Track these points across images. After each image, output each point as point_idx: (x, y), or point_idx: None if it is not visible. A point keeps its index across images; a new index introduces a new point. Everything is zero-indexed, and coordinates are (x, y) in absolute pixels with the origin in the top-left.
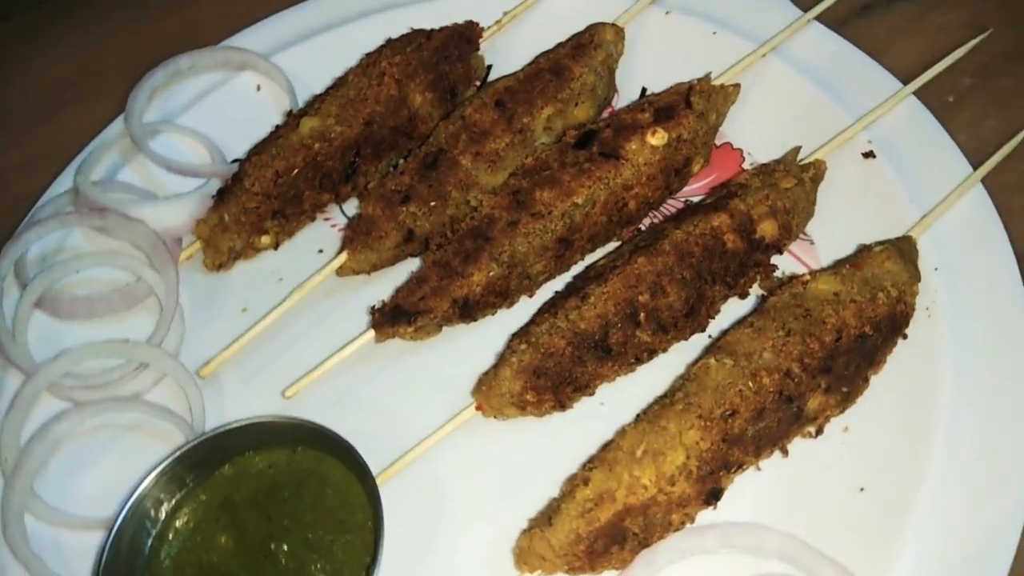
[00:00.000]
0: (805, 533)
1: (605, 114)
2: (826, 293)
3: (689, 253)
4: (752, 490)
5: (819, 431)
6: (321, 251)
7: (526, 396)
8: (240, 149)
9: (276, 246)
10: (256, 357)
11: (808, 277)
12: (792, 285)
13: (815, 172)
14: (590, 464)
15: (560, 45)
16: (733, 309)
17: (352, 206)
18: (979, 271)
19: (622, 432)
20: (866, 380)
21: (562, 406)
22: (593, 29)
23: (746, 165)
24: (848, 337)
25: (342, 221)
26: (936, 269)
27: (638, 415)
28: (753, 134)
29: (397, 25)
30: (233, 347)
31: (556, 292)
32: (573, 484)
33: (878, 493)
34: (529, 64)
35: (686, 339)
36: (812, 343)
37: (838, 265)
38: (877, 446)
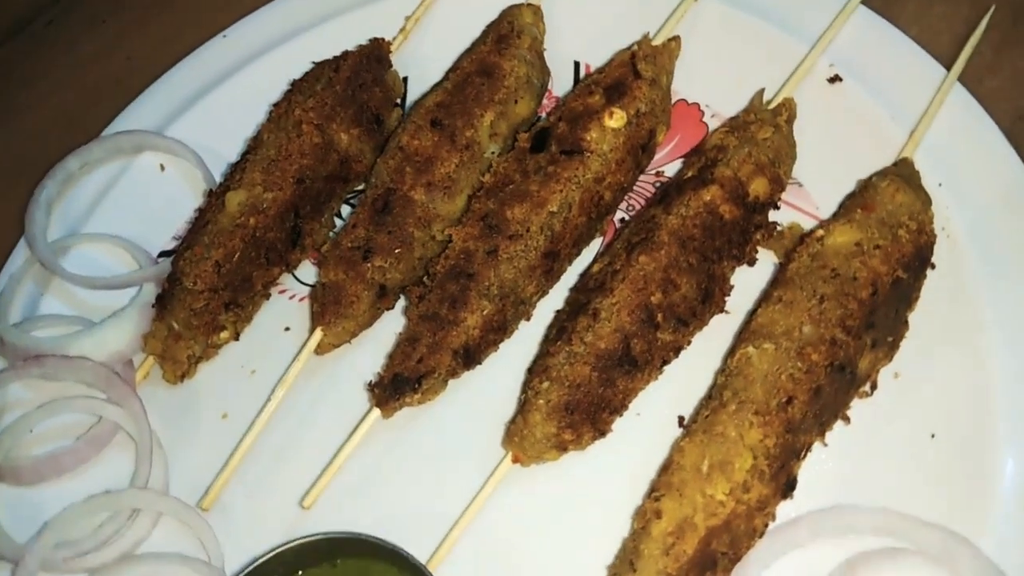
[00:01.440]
0: (888, 497)
1: (546, 101)
2: (847, 246)
3: (690, 238)
4: (824, 468)
5: (873, 387)
6: (288, 328)
7: (564, 436)
8: (162, 240)
9: (238, 336)
10: (255, 468)
11: (822, 232)
12: (807, 245)
13: (788, 113)
14: (656, 492)
15: (479, 41)
16: (744, 279)
17: (306, 270)
18: (983, 173)
19: (679, 449)
20: (906, 323)
21: (602, 433)
22: (509, 15)
23: (707, 119)
24: (883, 287)
25: (300, 289)
26: (940, 185)
27: (688, 425)
28: (705, 85)
29: (293, 61)
30: (229, 466)
31: (557, 312)
32: (645, 519)
33: (950, 434)
34: (452, 70)
35: (707, 324)
36: (850, 303)
37: (848, 211)
38: (932, 385)
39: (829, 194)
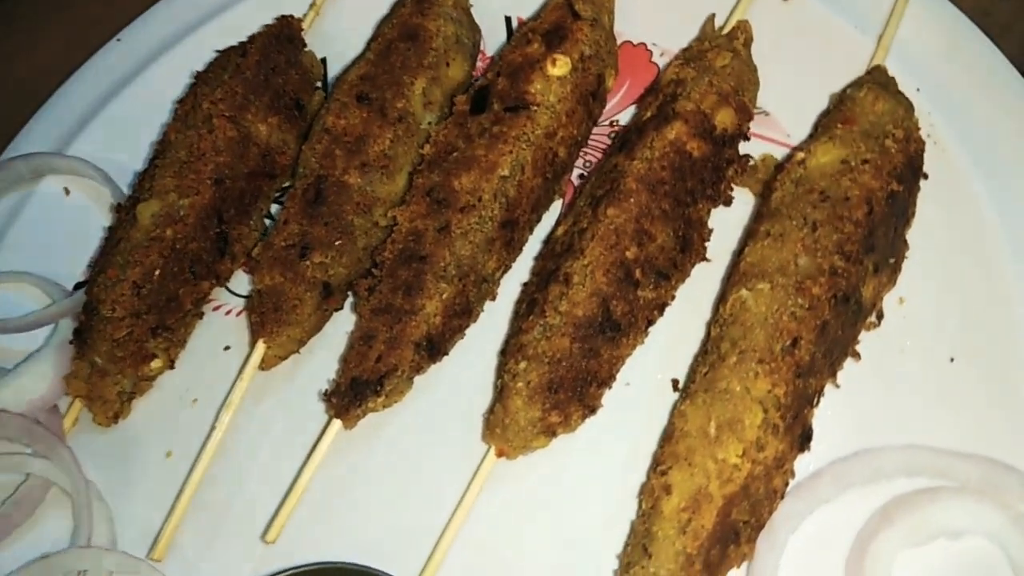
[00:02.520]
0: (914, 433)
1: (481, 63)
2: (832, 165)
3: (659, 181)
4: (840, 412)
5: (880, 316)
6: (228, 348)
7: (550, 419)
8: (76, 270)
9: (172, 364)
10: (209, 506)
11: (802, 155)
12: (788, 171)
13: (744, 36)
14: (661, 465)
15: (399, 4)
16: (722, 220)
17: (240, 280)
18: (961, 70)
19: (680, 414)
20: (905, 241)
21: (592, 410)
22: None
23: (656, 58)
24: (879, 203)
25: (236, 302)
26: (918, 90)
27: (686, 388)
28: (648, 22)
29: (196, 56)
30: (177, 509)
31: (524, 284)
32: (653, 497)
33: (970, 355)
34: (373, 40)
35: (689, 275)
36: (845, 226)
37: (826, 128)
38: (942, 304)
39: (799, 119)
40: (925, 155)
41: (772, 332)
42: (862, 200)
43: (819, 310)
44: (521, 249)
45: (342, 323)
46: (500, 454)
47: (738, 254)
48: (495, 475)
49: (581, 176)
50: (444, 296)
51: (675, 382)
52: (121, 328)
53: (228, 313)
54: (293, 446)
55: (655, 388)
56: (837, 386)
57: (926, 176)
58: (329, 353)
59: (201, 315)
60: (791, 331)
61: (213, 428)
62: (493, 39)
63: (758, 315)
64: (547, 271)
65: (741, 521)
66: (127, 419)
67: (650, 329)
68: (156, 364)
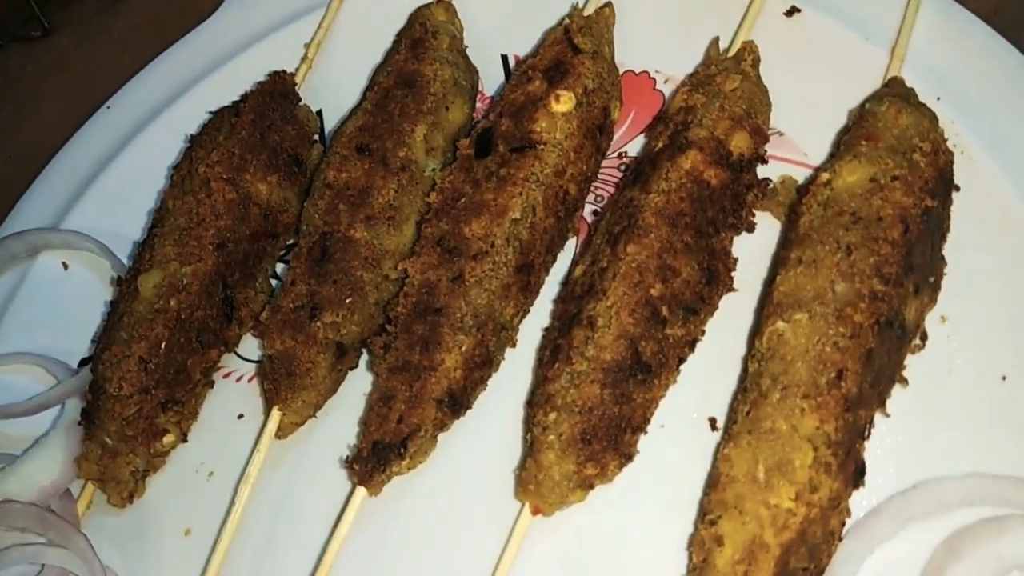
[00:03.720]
0: (971, 459)
1: (480, 104)
2: (861, 184)
3: (679, 213)
4: (892, 442)
5: (923, 337)
6: (242, 416)
7: (586, 471)
8: (80, 347)
9: (185, 438)
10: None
11: (827, 175)
12: (814, 193)
13: (752, 57)
14: (710, 514)
15: (392, 52)
16: (747, 248)
17: (249, 345)
18: (980, 75)
19: (724, 458)
20: (943, 257)
21: (629, 457)
22: (420, 16)
23: (660, 86)
24: (914, 221)
25: (247, 368)
26: (939, 99)
27: (727, 427)
28: (649, 50)
29: (188, 118)
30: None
31: (545, 330)
32: (704, 549)
33: (1023, 371)
34: (369, 89)
35: (717, 307)
36: (882, 247)
37: (849, 146)
38: (987, 319)
39: (815, 137)
40: (958, 169)
41: (815, 364)
42: (896, 219)
43: (863, 338)
44: (538, 292)
45: (357, 382)
46: (536, 512)
47: (768, 283)
48: (531, 533)
49: (595, 213)
50: (463, 348)
51: (712, 421)
52: (130, 406)
53: (239, 380)
54: (316, 515)
55: (691, 428)
56: (887, 415)
57: (958, 188)
58: (346, 414)
59: (211, 384)
60: (835, 362)
61: (232, 504)
62: (490, 79)
63: (798, 347)
64: (569, 315)
65: (800, 568)
66: (142, 497)
67: (681, 367)
68: (168, 439)
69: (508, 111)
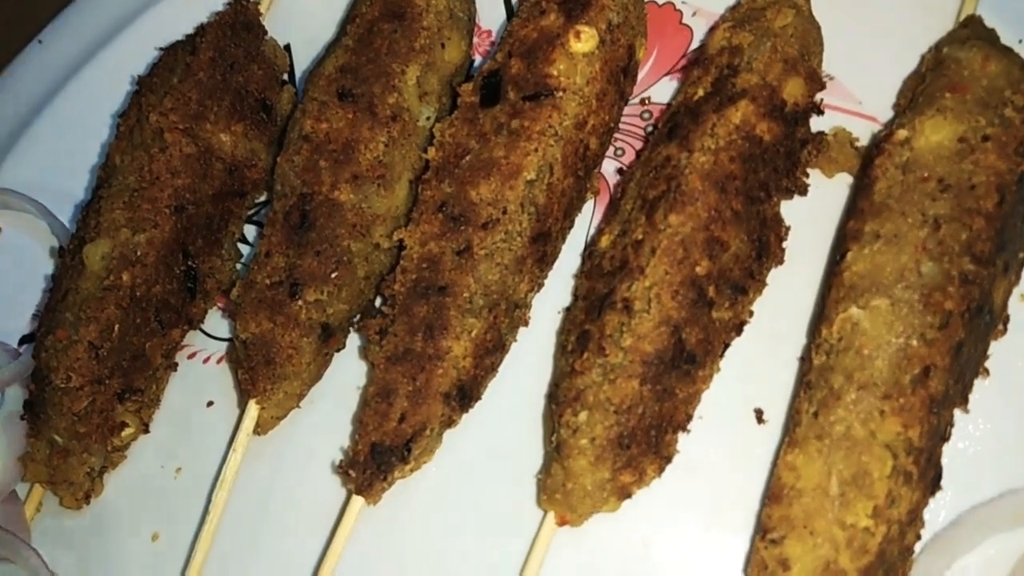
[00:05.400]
0: None
1: (478, 39)
2: (947, 144)
3: (728, 176)
4: (971, 442)
5: (1006, 322)
6: (211, 403)
7: (622, 478)
8: (19, 323)
9: (147, 428)
10: None
11: (905, 132)
12: (889, 154)
13: None
14: (771, 531)
15: None
16: (793, 216)
17: (216, 321)
18: None
19: (787, 465)
20: None
21: (668, 459)
22: None
23: (687, 19)
24: (1010, 190)
25: (216, 347)
26: (1021, 41)
27: (790, 429)
28: None
29: (136, 53)
30: None
31: (567, 310)
32: (767, 572)
33: None
34: (349, 21)
35: (766, 284)
36: (975, 221)
37: (930, 98)
38: None
39: (871, 82)
40: None
41: (898, 360)
42: (992, 187)
43: (952, 328)
44: (554, 263)
45: (347, 362)
46: (563, 523)
47: (836, 261)
48: (558, 542)
49: (620, 171)
50: (473, 333)
51: (759, 413)
52: (80, 399)
53: (207, 361)
54: (306, 524)
55: (734, 420)
56: (967, 411)
57: None
58: (333, 404)
59: (175, 367)
60: (922, 357)
61: (207, 511)
62: (485, 7)
63: (877, 339)
64: (598, 295)
65: None
66: (101, 497)
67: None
68: (128, 432)
69: (518, 50)
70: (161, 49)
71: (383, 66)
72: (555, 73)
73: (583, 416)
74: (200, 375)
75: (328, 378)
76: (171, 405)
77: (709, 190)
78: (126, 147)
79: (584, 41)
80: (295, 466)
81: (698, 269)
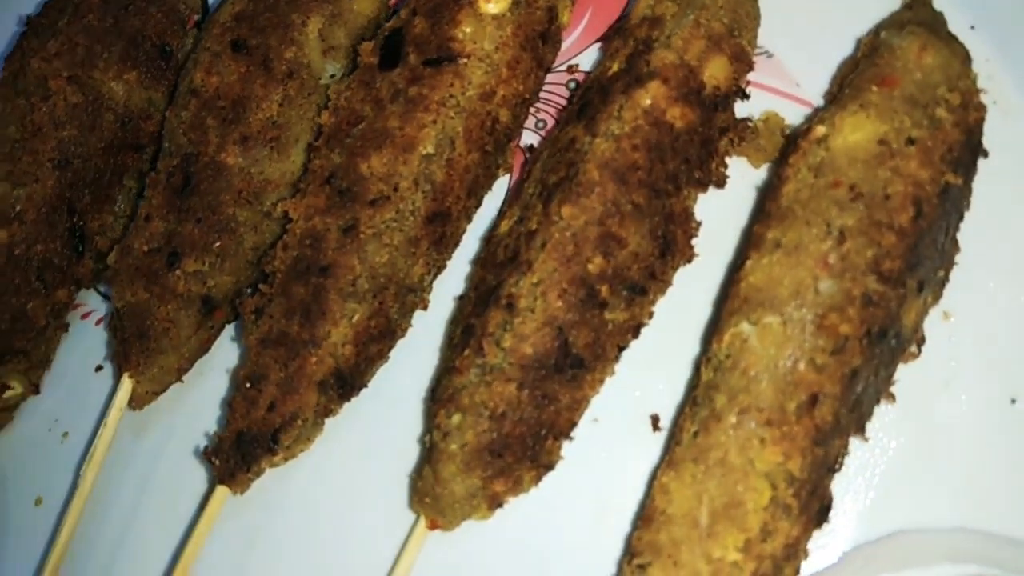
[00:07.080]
0: (961, 499)
1: None
2: (866, 146)
3: (630, 167)
4: (866, 473)
5: (920, 342)
6: (100, 368)
7: (494, 487)
8: None
9: (37, 389)
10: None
11: (823, 129)
12: (804, 152)
13: None
14: (638, 556)
15: None
16: (713, 204)
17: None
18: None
19: (662, 488)
20: (955, 242)
21: (548, 466)
22: None
23: None
24: (929, 203)
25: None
26: (973, 28)
27: (669, 447)
28: None
29: None
30: (49, 565)
31: (459, 299)
32: None
33: None
34: None
35: (671, 283)
36: (884, 236)
37: (856, 90)
38: (1001, 324)
39: (811, 62)
40: (990, 126)
41: (784, 385)
42: (908, 200)
43: (847, 354)
44: (457, 244)
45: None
46: (433, 527)
47: (736, 266)
48: (429, 546)
49: (531, 148)
50: (355, 319)
51: (655, 419)
52: None
53: (99, 323)
54: (180, 502)
55: (629, 427)
56: (865, 439)
57: (986, 154)
58: (224, 376)
59: (66, 327)
60: (809, 384)
61: (76, 484)
62: None
63: (765, 359)
64: (487, 286)
65: None
66: None
67: (622, 354)
68: (11, 394)
69: (423, 7)
70: None
71: (281, 15)
72: (460, 36)
73: (456, 419)
74: (92, 337)
75: (222, 349)
76: (62, 367)
77: (607, 181)
78: (8, 94)
79: (495, 1)
80: (177, 445)
81: (590, 267)
